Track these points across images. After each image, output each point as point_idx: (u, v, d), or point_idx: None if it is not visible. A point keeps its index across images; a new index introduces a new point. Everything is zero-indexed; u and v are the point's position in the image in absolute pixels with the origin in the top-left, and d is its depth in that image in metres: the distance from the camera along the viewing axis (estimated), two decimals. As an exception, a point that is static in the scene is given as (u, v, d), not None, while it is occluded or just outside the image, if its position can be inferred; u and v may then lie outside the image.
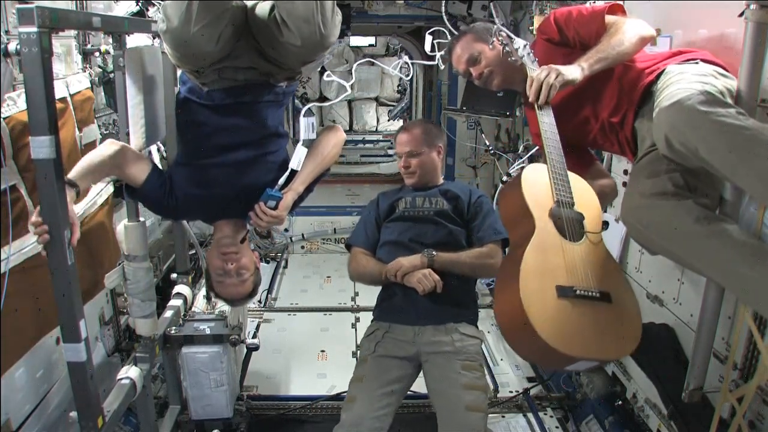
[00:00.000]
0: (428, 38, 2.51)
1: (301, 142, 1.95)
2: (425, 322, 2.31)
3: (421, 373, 2.33)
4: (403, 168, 2.59)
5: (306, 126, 1.93)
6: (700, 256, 1.41)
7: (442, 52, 2.45)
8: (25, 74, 1.45)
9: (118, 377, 2.11)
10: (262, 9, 1.75)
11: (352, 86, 2.45)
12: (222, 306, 2.88)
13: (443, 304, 2.32)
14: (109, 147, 1.91)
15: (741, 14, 1.51)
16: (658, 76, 1.70)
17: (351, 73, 2.85)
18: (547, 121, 1.75)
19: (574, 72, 1.68)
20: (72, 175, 1.74)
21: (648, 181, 1.54)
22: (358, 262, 2.52)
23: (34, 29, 1.40)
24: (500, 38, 1.86)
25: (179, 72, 2.06)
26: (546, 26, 1.95)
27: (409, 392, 2.33)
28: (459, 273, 2.37)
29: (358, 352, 2.44)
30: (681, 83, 1.59)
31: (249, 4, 1.79)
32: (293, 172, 1.95)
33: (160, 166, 2.07)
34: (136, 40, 2.21)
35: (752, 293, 1.31)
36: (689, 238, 1.41)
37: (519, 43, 1.83)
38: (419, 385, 2.34)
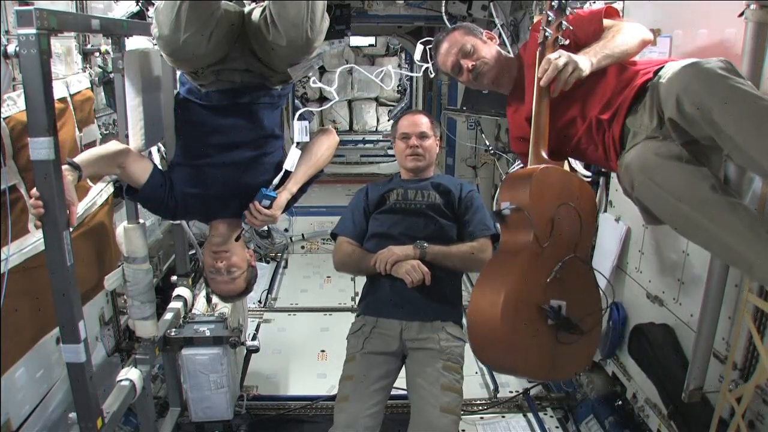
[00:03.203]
0: (419, 47, 2.35)
1: (294, 145, 1.97)
2: (413, 317, 2.31)
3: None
4: (410, 149, 2.50)
5: (299, 129, 1.95)
6: (711, 225, 1.40)
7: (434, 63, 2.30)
8: (24, 76, 1.45)
9: (118, 379, 2.12)
10: (256, 12, 1.79)
11: (351, 86, 2.43)
12: (222, 308, 2.88)
13: (431, 300, 2.31)
14: (114, 144, 1.95)
15: (741, 14, 1.51)
16: (655, 73, 1.69)
17: (343, 77, 2.81)
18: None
19: (586, 66, 1.66)
20: (76, 159, 1.77)
21: (662, 144, 1.52)
22: (344, 251, 2.47)
23: (32, 31, 1.40)
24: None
25: (179, 73, 2.08)
26: (540, 26, 1.94)
27: (405, 391, 2.32)
28: (450, 266, 2.36)
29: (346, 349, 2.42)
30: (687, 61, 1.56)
31: (246, 9, 1.83)
32: (287, 173, 1.98)
33: (160, 167, 2.07)
34: (136, 41, 2.21)
35: (762, 270, 1.32)
36: (704, 204, 1.40)
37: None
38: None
